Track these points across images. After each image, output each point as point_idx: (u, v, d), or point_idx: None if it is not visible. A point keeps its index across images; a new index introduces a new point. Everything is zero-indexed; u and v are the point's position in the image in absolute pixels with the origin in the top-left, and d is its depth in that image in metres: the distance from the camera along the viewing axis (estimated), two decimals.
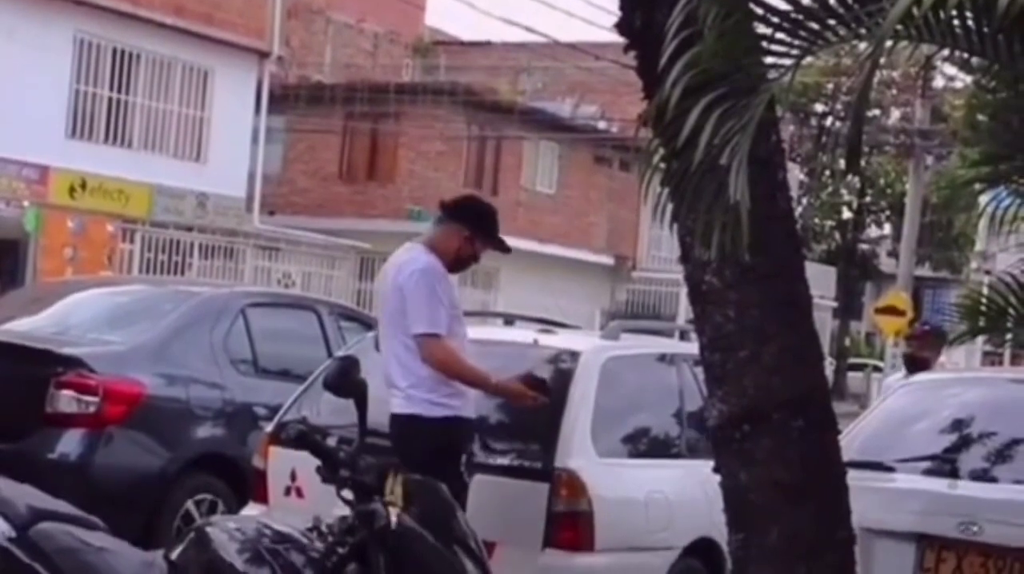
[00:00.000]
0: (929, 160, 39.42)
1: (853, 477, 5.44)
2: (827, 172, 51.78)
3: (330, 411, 7.44)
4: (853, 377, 48.54)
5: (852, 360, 51.99)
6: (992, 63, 5.25)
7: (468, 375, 6.99)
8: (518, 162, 37.80)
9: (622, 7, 5.33)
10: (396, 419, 6.89)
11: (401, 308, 6.93)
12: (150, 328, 9.90)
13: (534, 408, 7.02)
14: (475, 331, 7.65)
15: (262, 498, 7.89)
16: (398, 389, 6.92)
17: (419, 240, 7.23)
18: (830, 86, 45.51)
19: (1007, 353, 33.42)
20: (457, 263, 7.21)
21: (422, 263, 6.99)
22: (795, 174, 46.59)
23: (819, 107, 48.24)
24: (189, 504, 9.38)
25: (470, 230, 7.19)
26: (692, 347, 6.67)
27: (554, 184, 38.73)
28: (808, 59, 4.68)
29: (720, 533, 5.64)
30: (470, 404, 6.97)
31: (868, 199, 53.55)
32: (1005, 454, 7.13)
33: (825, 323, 44.41)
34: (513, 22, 65.35)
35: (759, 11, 4.63)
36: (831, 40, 4.60)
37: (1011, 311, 6.38)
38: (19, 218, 24.81)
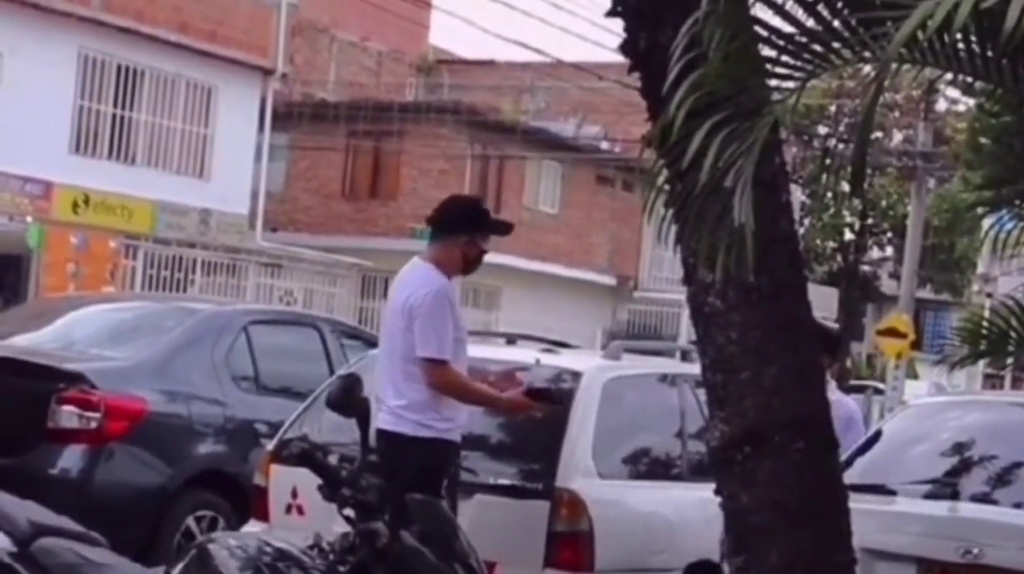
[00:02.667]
0: (931, 183, 39.40)
1: (854, 500, 5.44)
2: (829, 194, 51.80)
3: (332, 429, 7.43)
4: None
5: (853, 382, 51.93)
6: (995, 87, 5.26)
7: (476, 397, 7.00)
8: (521, 181, 37.82)
9: (626, 28, 5.34)
10: (382, 435, 6.84)
11: (406, 327, 6.90)
12: (152, 344, 9.90)
13: (544, 415, 7.06)
14: (477, 350, 7.64)
15: (263, 515, 7.89)
16: (387, 406, 6.91)
17: (423, 257, 7.19)
18: (832, 108, 45.57)
19: (1008, 376, 33.43)
20: (467, 267, 7.20)
21: (435, 286, 6.95)
22: (797, 195, 46.60)
23: (822, 129, 48.28)
24: (190, 521, 9.38)
25: (465, 234, 7.14)
26: (694, 368, 6.67)
27: (556, 204, 38.73)
28: (812, 81, 4.68)
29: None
30: (457, 429, 6.97)
31: (870, 221, 53.51)
32: (1006, 478, 7.13)
33: None
34: (517, 42, 65.26)
35: (764, 33, 4.64)
36: (836, 63, 4.61)
37: (1012, 334, 6.39)
38: (22, 233, 24.81)
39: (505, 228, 7.38)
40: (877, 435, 7.73)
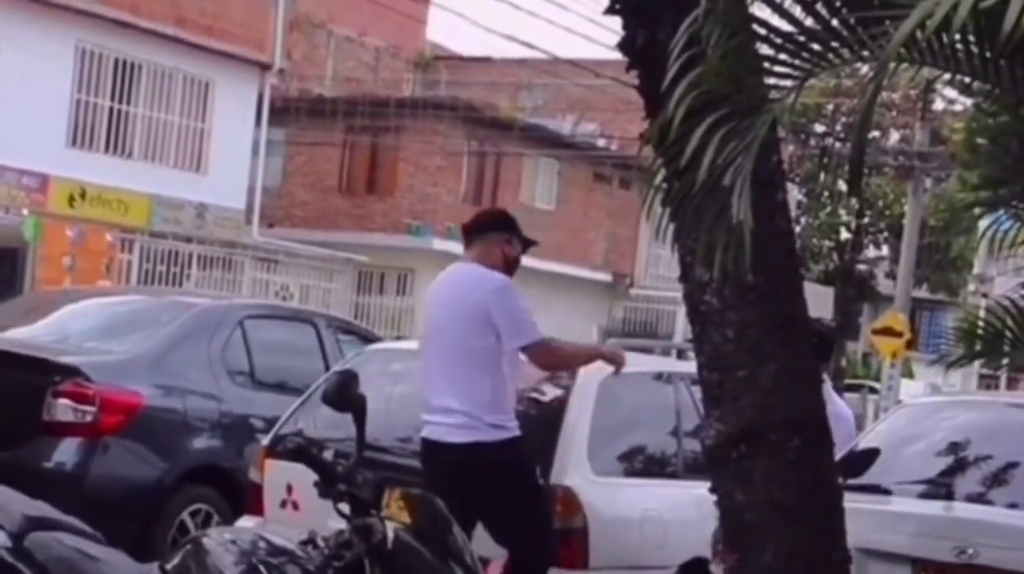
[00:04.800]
0: (928, 182, 39.45)
1: (849, 499, 5.44)
2: (826, 193, 51.81)
3: (327, 424, 7.43)
4: (849, 398, 48.48)
5: (848, 381, 51.97)
6: (993, 87, 5.26)
7: (579, 358, 7.29)
8: (517, 178, 37.82)
9: (625, 26, 5.34)
10: (450, 449, 6.73)
11: (472, 328, 6.81)
12: (148, 338, 9.90)
13: (539, 412, 7.20)
14: None
15: (257, 510, 7.89)
16: (454, 412, 6.75)
17: (466, 261, 7.14)
18: (830, 107, 45.56)
19: (1003, 377, 33.46)
20: (508, 269, 7.17)
21: (501, 280, 6.95)
22: (794, 194, 46.62)
23: (819, 128, 48.27)
24: (185, 515, 9.38)
25: (505, 234, 7.18)
26: (690, 366, 6.67)
27: (553, 201, 38.74)
28: (810, 80, 4.68)
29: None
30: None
31: (866, 220, 53.53)
32: (1000, 478, 7.13)
33: None
34: (514, 38, 65.39)
35: (762, 32, 4.65)
36: (834, 62, 4.61)
37: (1008, 335, 6.39)
38: (18, 226, 24.79)
39: (531, 241, 7.40)
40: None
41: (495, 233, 7.16)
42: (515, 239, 7.22)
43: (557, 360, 7.15)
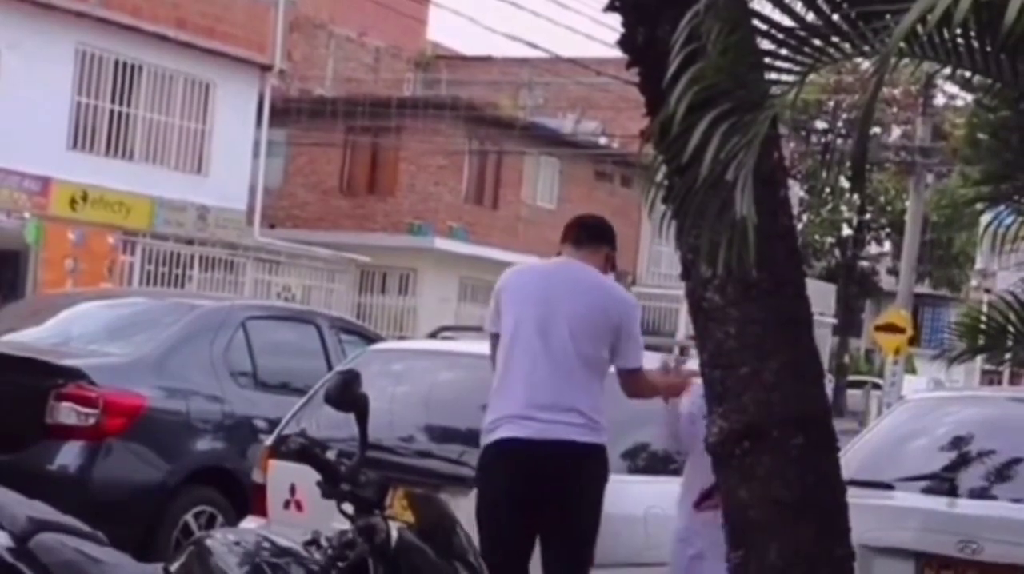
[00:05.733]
0: (929, 178, 39.44)
1: (852, 495, 5.43)
2: (827, 189, 51.80)
3: (330, 425, 7.42)
4: (852, 394, 48.55)
5: (851, 377, 51.99)
6: (994, 82, 5.26)
7: (656, 390, 6.88)
8: (519, 177, 37.83)
9: (625, 23, 5.33)
10: (571, 446, 6.48)
11: (599, 335, 6.63)
12: (150, 340, 9.89)
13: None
14: (476, 346, 7.63)
15: (261, 511, 7.88)
16: (575, 411, 6.52)
17: (575, 259, 6.91)
18: (831, 103, 45.56)
19: (1006, 372, 33.45)
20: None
21: (632, 298, 6.92)
22: (795, 191, 46.63)
23: (820, 124, 48.27)
24: (188, 517, 9.38)
25: (613, 249, 7.03)
26: (692, 363, 6.65)
27: (555, 199, 38.74)
28: (810, 76, 4.68)
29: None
30: None
31: (868, 216, 53.57)
32: (1004, 473, 7.13)
33: (825, 340, 44.40)
34: (515, 37, 65.30)
35: (763, 27, 4.64)
36: (835, 57, 4.61)
37: (1011, 330, 6.39)
38: (20, 230, 24.82)
39: (616, 268, 7.25)
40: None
41: (607, 245, 6.98)
42: (613, 259, 7.07)
43: (645, 390, 6.85)
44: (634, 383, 6.78)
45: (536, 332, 6.60)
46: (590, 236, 6.99)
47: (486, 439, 6.54)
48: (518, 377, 6.56)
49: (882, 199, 51.99)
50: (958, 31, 4.58)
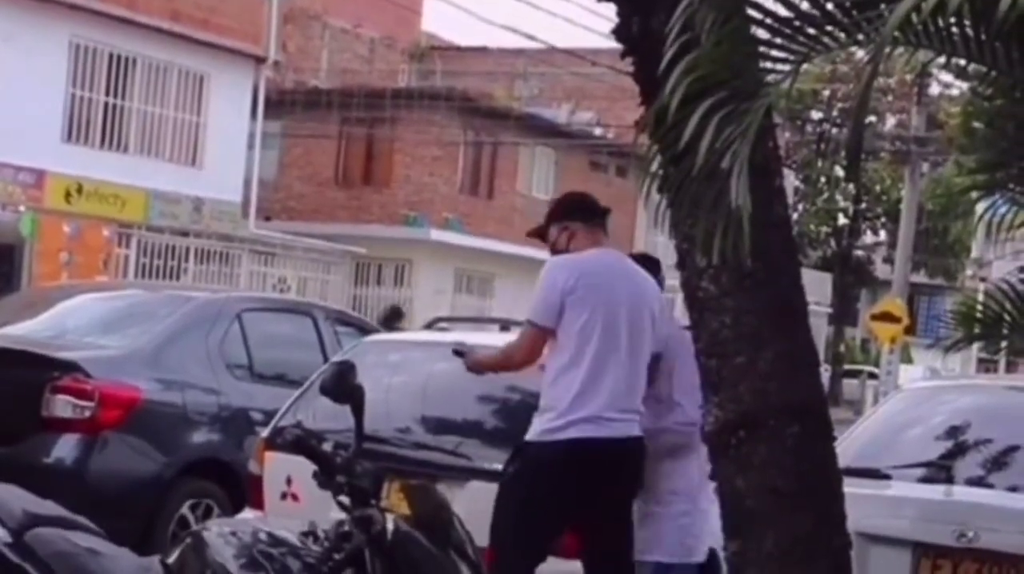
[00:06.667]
0: (925, 167, 39.48)
1: (849, 483, 5.43)
2: (823, 179, 51.83)
3: (326, 416, 7.41)
4: (848, 383, 48.62)
5: (847, 366, 52.06)
6: (989, 70, 5.25)
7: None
8: (514, 168, 37.82)
9: (619, 13, 5.32)
10: (635, 442, 6.57)
11: (648, 331, 6.73)
12: (146, 333, 9.89)
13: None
14: (471, 337, 7.64)
15: (258, 503, 7.88)
16: (632, 411, 6.60)
17: (608, 245, 7.01)
18: (826, 92, 45.58)
19: (1002, 360, 33.50)
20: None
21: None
22: (791, 180, 46.61)
23: (815, 113, 48.30)
24: (185, 509, 9.39)
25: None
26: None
27: (550, 190, 38.68)
28: (805, 65, 4.67)
29: (717, 540, 5.63)
30: None
31: (864, 206, 53.64)
32: (1001, 461, 7.13)
33: (820, 329, 44.45)
34: (510, 28, 65.25)
35: (757, 16, 4.63)
36: (830, 46, 4.60)
37: (1006, 318, 6.39)
38: (15, 222, 24.81)
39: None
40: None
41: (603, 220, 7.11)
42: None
43: None
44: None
45: (625, 332, 6.64)
46: (598, 214, 7.08)
47: (552, 436, 6.48)
48: (602, 379, 6.55)
49: (877, 188, 52.05)
50: (953, 19, 4.57)
